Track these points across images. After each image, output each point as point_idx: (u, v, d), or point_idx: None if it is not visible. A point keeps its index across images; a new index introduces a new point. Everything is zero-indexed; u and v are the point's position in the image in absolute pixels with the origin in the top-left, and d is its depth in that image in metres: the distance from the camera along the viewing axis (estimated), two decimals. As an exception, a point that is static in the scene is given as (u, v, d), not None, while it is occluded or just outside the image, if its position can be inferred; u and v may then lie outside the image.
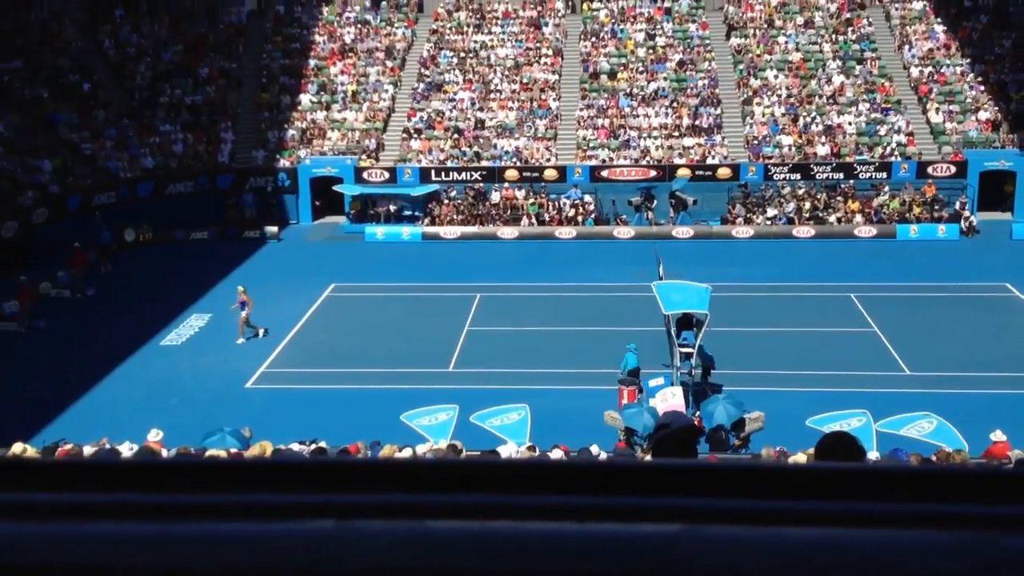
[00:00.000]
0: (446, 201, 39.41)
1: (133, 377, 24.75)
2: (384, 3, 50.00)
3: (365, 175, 40.07)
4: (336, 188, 39.71)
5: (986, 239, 36.20)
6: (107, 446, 15.80)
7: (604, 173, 39.73)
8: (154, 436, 17.24)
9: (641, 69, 44.79)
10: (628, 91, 43.59)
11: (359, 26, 48.20)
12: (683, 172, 39.14)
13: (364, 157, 41.11)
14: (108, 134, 40.72)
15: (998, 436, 17.59)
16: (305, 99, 44.35)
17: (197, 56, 45.97)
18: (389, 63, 46.18)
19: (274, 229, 38.41)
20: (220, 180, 40.47)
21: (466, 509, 1.12)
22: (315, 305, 30.05)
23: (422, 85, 44.80)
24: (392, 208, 39.51)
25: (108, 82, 43.88)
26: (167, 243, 37.35)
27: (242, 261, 34.99)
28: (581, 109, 43.03)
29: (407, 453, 16.21)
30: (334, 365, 25.15)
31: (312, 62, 46.27)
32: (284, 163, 41.18)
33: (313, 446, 16.09)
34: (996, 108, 40.96)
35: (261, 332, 27.20)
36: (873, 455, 16.00)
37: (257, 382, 24.38)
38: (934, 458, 15.49)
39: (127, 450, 15.78)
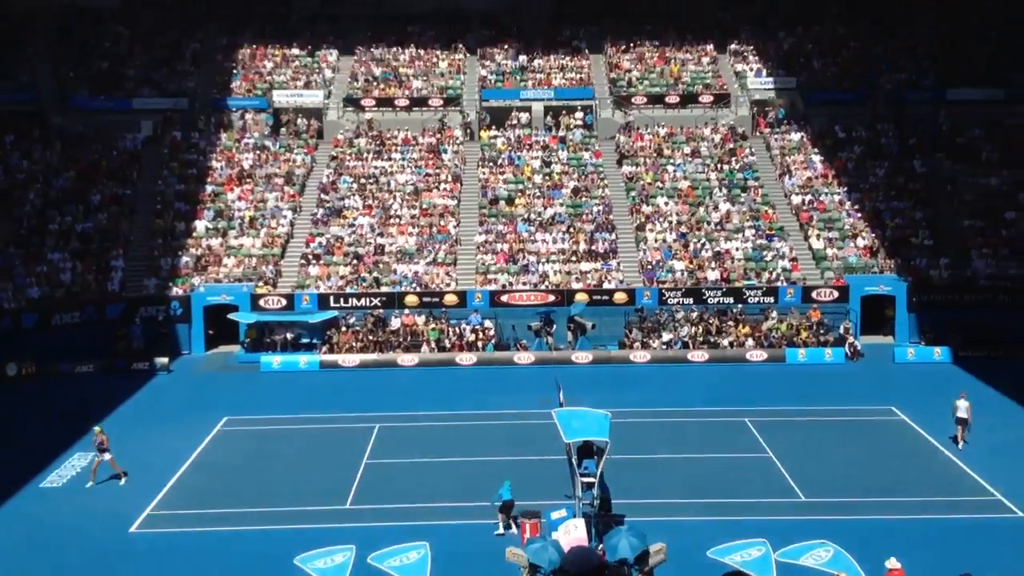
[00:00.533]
0: (345, 328, 39.06)
1: (9, 522, 23.38)
2: (283, 129, 50.38)
3: (261, 302, 39.53)
4: (231, 316, 38.98)
5: (870, 362, 37.45)
6: None
7: (504, 298, 40.11)
8: None
9: (538, 195, 45.85)
10: (526, 216, 44.48)
11: (258, 152, 48.32)
12: (581, 297, 39.79)
13: (261, 284, 40.62)
14: (-8, 263, 39.45)
15: (892, 564, 17.87)
16: (201, 225, 43.88)
17: (89, 182, 45.26)
18: (288, 189, 46.24)
19: (164, 360, 37.23)
20: (109, 310, 39.35)
21: None
22: (206, 440, 29.02)
23: (321, 210, 44.87)
24: (289, 336, 38.95)
25: (-5, 209, 42.75)
26: (51, 377, 35.94)
27: (130, 395, 33.73)
28: (480, 234, 43.62)
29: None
30: (225, 505, 24.17)
31: (209, 188, 46.00)
32: (177, 291, 40.35)
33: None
34: (873, 235, 43.05)
35: (123, 480, 25.76)
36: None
37: (143, 525, 23.19)
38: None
39: None
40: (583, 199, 45.62)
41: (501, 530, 22.67)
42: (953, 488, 24.72)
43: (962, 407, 27.62)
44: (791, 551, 19.88)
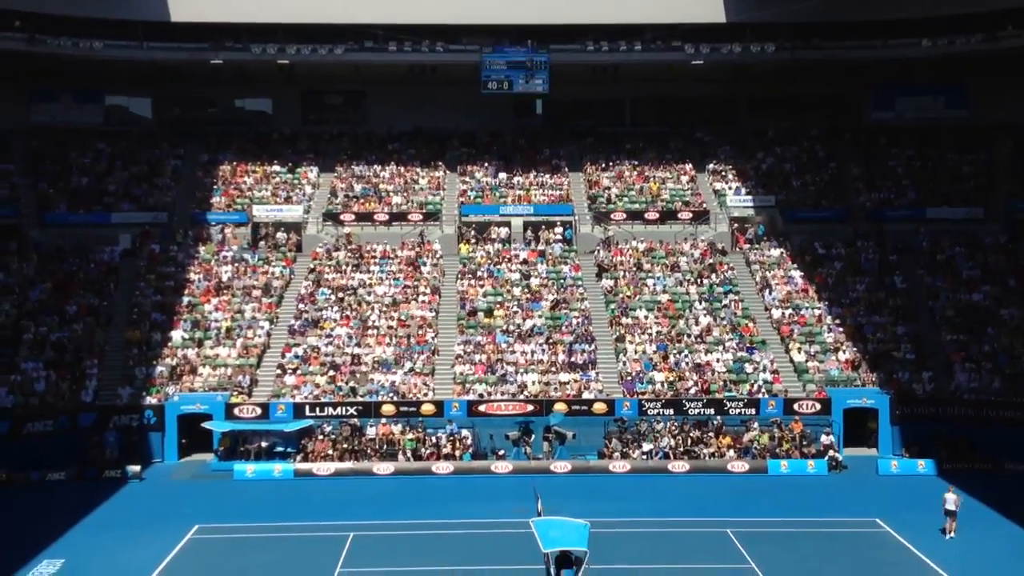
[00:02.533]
0: (320, 437, 38.49)
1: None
2: (262, 243, 50.67)
3: (236, 411, 38.99)
4: (205, 425, 38.41)
5: (853, 474, 37.10)
6: None
7: (482, 408, 39.75)
8: None
9: (517, 307, 46.00)
10: (505, 328, 44.51)
11: (236, 264, 48.46)
12: (559, 407, 39.48)
13: (236, 393, 40.17)
14: (-36, 370, 38.92)
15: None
16: (177, 335, 43.61)
17: (66, 294, 45.11)
18: (266, 300, 46.22)
19: (136, 468, 36.54)
20: (82, 418, 38.69)
21: None
22: (176, 548, 28.13)
23: (299, 321, 44.77)
24: (263, 444, 38.31)
25: (-31, 317, 42.40)
26: (21, 485, 35.21)
27: (100, 502, 32.93)
28: (458, 344, 43.53)
29: None
30: (193, 615, 23.34)
31: (186, 299, 45.92)
32: (151, 400, 39.82)
33: None
34: (855, 349, 43.25)
35: None
36: None
37: (107, 636, 22.33)
38: None
39: None
40: (562, 311, 45.81)
41: None
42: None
43: (951, 500, 28.68)
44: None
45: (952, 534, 28.49)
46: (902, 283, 47.43)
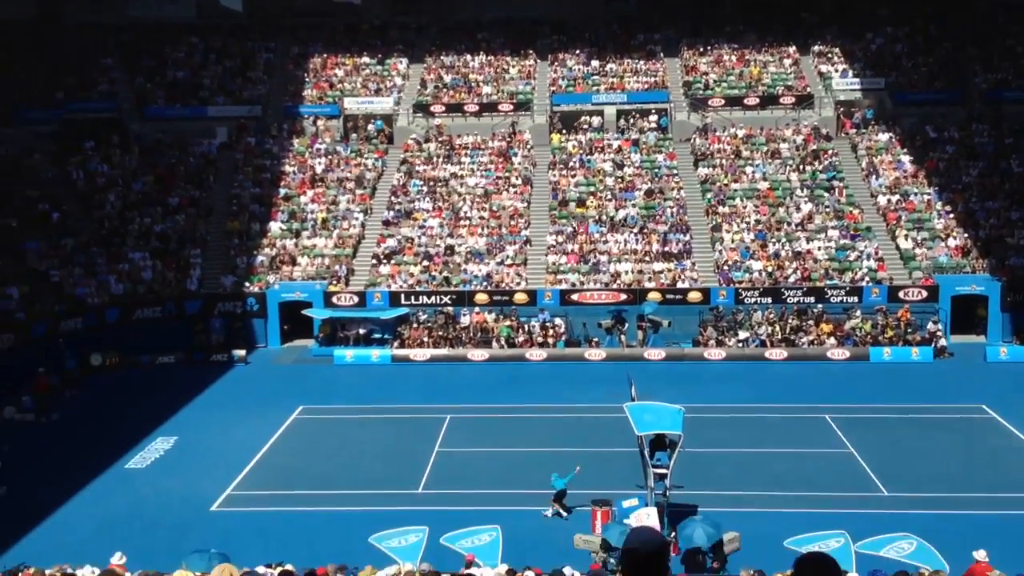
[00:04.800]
0: (416, 324, 39.12)
1: (96, 501, 23.98)
2: (354, 135, 50.85)
3: (334, 299, 39.84)
4: (305, 312, 39.39)
5: (960, 361, 36.19)
6: (68, 570, 15.26)
7: (574, 297, 39.73)
8: (117, 560, 16.79)
9: (610, 197, 45.43)
10: (597, 218, 44.08)
11: (329, 157, 48.82)
12: (653, 296, 39.20)
13: (334, 282, 40.95)
14: (77, 261, 40.44)
15: (981, 556, 17.08)
16: (275, 226, 44.44)
17: (167, 186, 46.19)
18: (359, 191, 46.59)
19: (242, 353, 37.98)
20: (188, 305, 40.13)
21: None
22: (282, 427, 29.34)
23: (392, 212, 45.10)
24: (361, 331, 39.16)
25: (77, 211, 43.85)
26: (133, 367, 36.82)
27: (209, 384, 34.45)
28: (550, 235, 43.36)
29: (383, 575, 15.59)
30: (302, 487, 24.43)
31: (282, 191, 46.58)
32: (253, 288, 40.92)
33: (279, 570, 15.36)
34: (965, 235, 41.66)
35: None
36: (853, 576, 15.48)
37: (223, 505, 23.60)
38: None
39: (89, 574, 15.33)
40: (656, 201, 45.07)
41: (548, 513, 22.55)
42: (1046, 483, 23.65)
43: None
44: (872, 543, 19.23)
45: None
46: (1018, 167, 45.17)
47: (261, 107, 51.63)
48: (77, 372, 35.26)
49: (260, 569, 15.43)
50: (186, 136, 49.41)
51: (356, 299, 39.88)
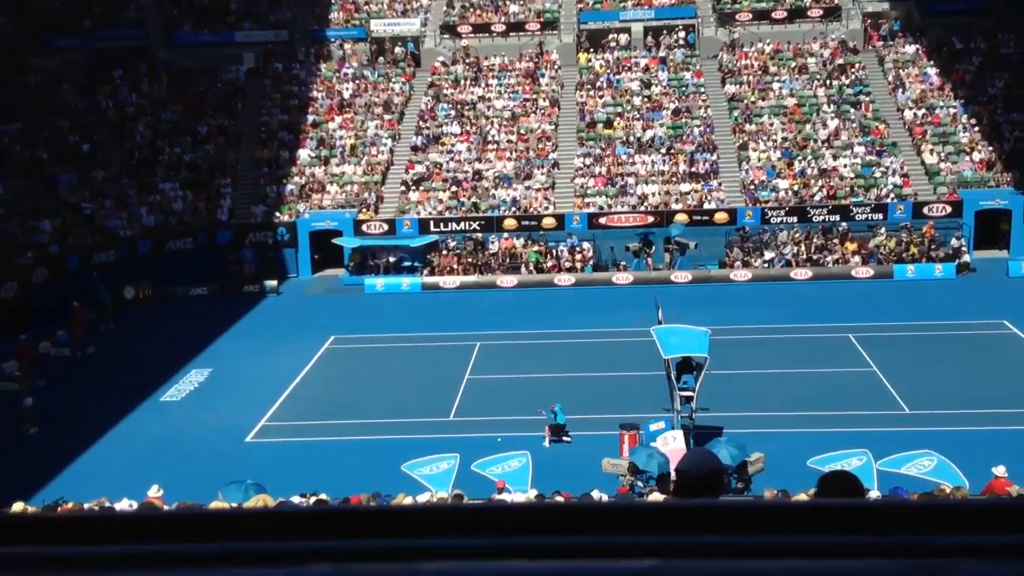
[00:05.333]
0: (445, 251, 39.60)
1: (133, 434, 24.74)
2: (381, 59, 50.68)
3: (364, 228, 40.31)
4: (335, 241, 39.93)
5: (983, 277, 36.28)
6: (106, 503, 15.67)
7: (602, 220, 39.95)
8: (155, 492, 17.14)
9: (637, 117, 45.24)
10: (625, 139, 43.98)
11: (357, 81, 48.78)
12: (680, 217, 39.35)
13: (363, 210, 41.38)
14: (108, 193, 41.05)
15: (1000, 471, 17.44)
16: (304, 154, 44.76)
17: (196, 114, 46.49)
18: (387, 117, 46.67)
19: (274, 283, 38.54)
20: (219, 236, 40.70)
21: (456, 551, 1.18)
22: (315, 357, 30.07)
23: (420, 138, 45.23)
24: (391, 259, 39.69)
25: (107, 142, 44.35)
26: (167, 300, 37.39)
27: (242, 315, 35.11)
28: (578, 157, 43.39)
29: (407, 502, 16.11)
30: (334, 417, 25.12)
31: (311, 118, 46.76)
32: (283, 218, 41.46)
33: (314, 499, 15.94)
34: (990, 148, 41.23)
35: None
36: (874, 494, 15.90)
37: (257, 436, 24.35)
38: (935, 495, 15.38)
39: (127, 507, 15.62)
40: (684, 120, 44.82)
41: (547, 443, 23.00)
42: (1068, 400, 23.97)
43: None
44: (893, 460, 19.69)
45: None
46: (1045, 77, 44.42)
47: (288, 32, 51.42)
48: (112, 305, 35.57)
49: (295, 499, 15.77)
50: (214, 63, 49.42)
51: (386, 227, 40.34)
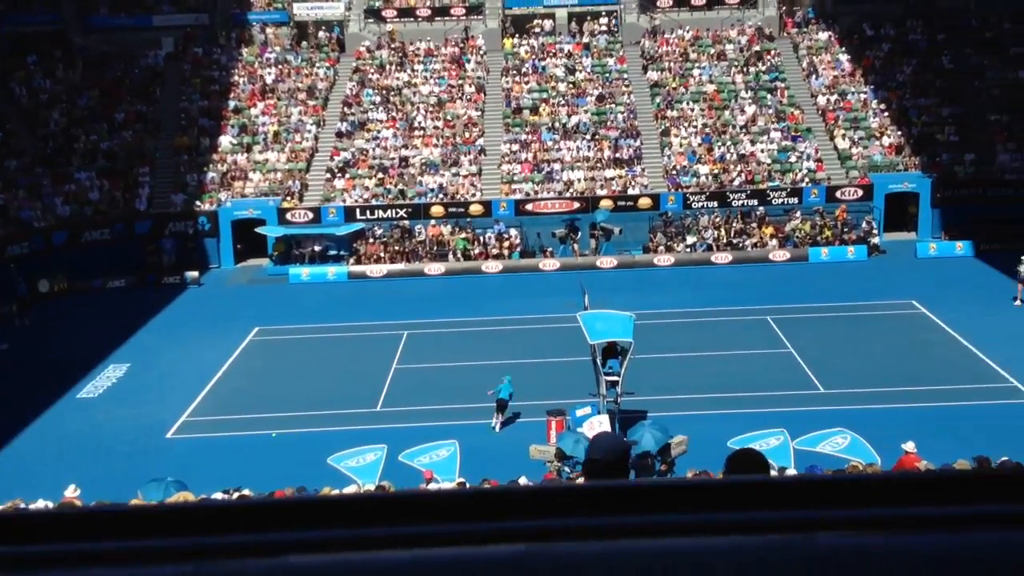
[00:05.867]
0: (372, 239, 39.47)
1: (49, 432, 24.18)
2: (304, 43, 50.12)
3: (288, 216, 39.96)
4: (259, 230, 39.49)
5: (892, 258, 37.53)
6: (21, 505, 15.39)
7: (528, 206, 40.24)
8: (72, 492, 16.77)
9: (562, 103, 45.56)
10: (550, 125, 44.28)
11: (280, 66, 48.18)
12: (605, 203, 39.84)
13: (287, 198, 41.00)
14: (21, 183, 39.97)
15: (910, 447, 18.18)
16: (225, 141, 44.11)
17: (113, 101, 45.45)
18: (311, 102, 46.22)
19: (195, 274, 37.91)
20: (138, 226, 39.87)
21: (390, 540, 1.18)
22: (238, 350, 29.75)
23: (345, 124, 44.91)
24: (317, 248, 39.41)
25: (20, 130, 43.12)
26: (83, 292, 36.43)
27: (162, 308, 34.49)
28: (504, 143, 43.57)
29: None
30: (259, 410, 24.90)
31: (232, 103, 46.06)
32: (204, 207, 40.84)
33: (237, 494, 15.88)
34: (899, 133, 42.54)
35: None
36: (791, 472, 16.47)
37: (178, 431, 24.01)
38: (847, 471, 16.02)
39: (43, 508, 15.35)
40: (608, 106, 45.28)
41: (496, 427, 23.21)
42: (971, 376, 25.10)
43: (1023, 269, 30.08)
44: (809, 439, 20.40)
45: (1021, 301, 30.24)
46: (950, 63, 45.80)
47: (208, 15, 50.42)
48: (28, 299, 34.66)
49: (217, 495, 15.57)
50: (131, 48, 48.24)
51: (310, 215, 40.05)
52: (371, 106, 45.85)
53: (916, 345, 27.63)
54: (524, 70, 47.70)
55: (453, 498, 1.27)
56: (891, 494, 1.24)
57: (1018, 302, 30.43)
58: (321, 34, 50.28)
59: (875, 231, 38.66)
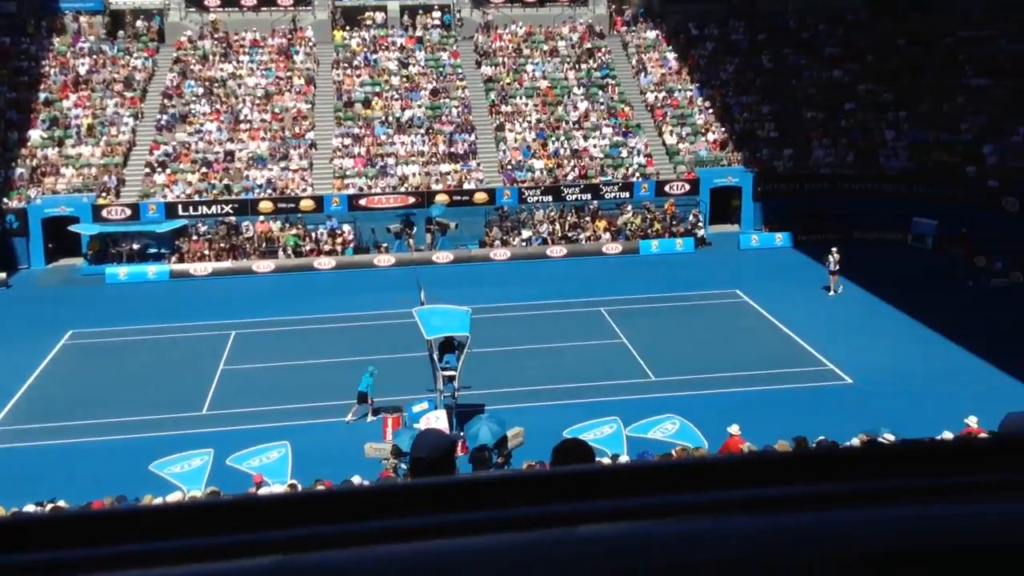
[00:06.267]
0: (195, 237, 37.88)
1: None
2: (121, 32, 47.69)
3: (104, 213, 37.91)
4: (72, 228, 37.28)
5: (717, 250, 38.91)
6: None
7: (362, 202, 39.55)
8: None
9: (395, 97, 45.03)
10: (384, 119, 43.67)
11: (94, 57, 45.66)
12: (441, 198, 39.60)
13: (103, 194, 38.86)
14: None
15: (734, 430, 18.76)
16: (35, 135, 41.43)
17: (-90, 92, 42.03)
18: (128, 94, 44.00)
19: (2, 275, 35.41)
20: (-60, 225, 37.12)
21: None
22: (50, 355, 27.97)
23: (165, 117, 42.96)
24: (135, 246, 37.50)
25: None
26: None
27: (-34, 311, 32.13)
28: (336, 137, 42.67)
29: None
30: (74, 418, 23.51)
31: (42, 95, 43.33)
32: (12, 204, 38.22)
33: (51, 506, 14.92)
34: (723, 129, 44.15)
35: None
36: (624, 459, 16.65)
37: (-12, 442, 22.37)
38: (675, 456, 16.31)
39: None
40: (442, 100, 45.04)
41: (349, 418, 22.78)
42: (791, 361, 26.23)
43: (832, 260, 31.81)
44: (640, 426, 20.71)
45: (833, 292, 31.80)
46: (769, 62, 47.90)
47: (15, 3, 47.29)
48: None
49: (29, 507, 14.93)
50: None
51: (129, 212, 38.11)
52: (193, 98, 44.06)
53: (741, 332, 28.67)
54: (356, 63, 46.89)
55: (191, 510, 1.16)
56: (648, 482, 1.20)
57: (831, 292, 31.90)
58: (139, 23, 47.97)
59: (701, 224, 39.97)
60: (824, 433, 16.34)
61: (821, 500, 1.15)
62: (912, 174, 40.49)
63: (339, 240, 38.32)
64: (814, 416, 21.23)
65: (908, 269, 34.29)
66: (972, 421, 17.98)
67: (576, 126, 43.98)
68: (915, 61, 45.85)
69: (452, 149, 42.26)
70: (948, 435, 16.43)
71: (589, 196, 40.56)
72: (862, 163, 41.95)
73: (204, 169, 40.53)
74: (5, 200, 38.38)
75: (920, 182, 39.79)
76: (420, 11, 50.10)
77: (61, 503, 15.14)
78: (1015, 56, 43.11)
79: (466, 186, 40.59)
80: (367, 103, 44.58)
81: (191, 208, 38.61)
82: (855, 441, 14.97)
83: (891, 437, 14.69)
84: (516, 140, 43.08)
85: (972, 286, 32.73)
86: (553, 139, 43.12)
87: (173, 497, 15.95)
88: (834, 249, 31.98)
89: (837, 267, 31.73)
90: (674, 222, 39.75)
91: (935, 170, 40.12)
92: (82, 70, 44.85)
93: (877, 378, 24.51)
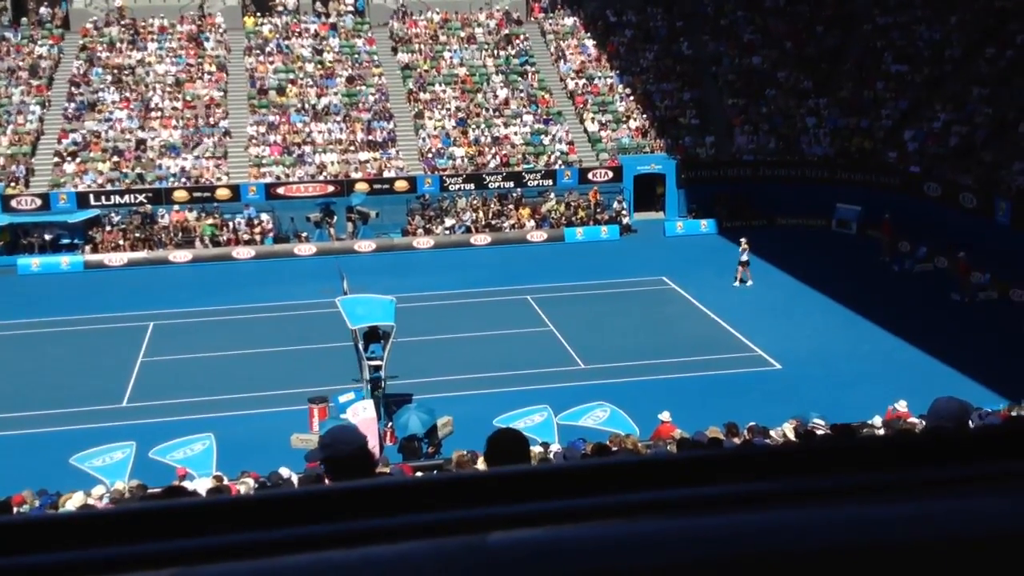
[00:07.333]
0: (109, 227, 36.76)
1: None
2: (24, 19, 45.94)
3: (13, 203, 36.56)
4: (-22, 219, 35.89)
5: (642, 237, 39.19)
6: None
7: (280, 190, 38.86)
8: None
9: (311, 84, 44.31)
10: (299, 107, 42.94)
11: (-4, 43, 43.91)
12: (361, 186, 39.14)
13: (11, 184, 37.44)
14: None
15: (665, 417, 18.90)
16: (-65, 123, 39.70)
17: None
18: (34, 82, 42.43)
19: (-97, 270, 34.03)
20: None
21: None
22: (-40, 349, 26.87)
23: (73, 105, 41.54)
24: (47, 237, 36.26)
25: None
26: None
27: None
28: (251, 125, 41.81)
29: (79, 498, 14.90)
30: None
31: (-59, 83, 41.53)
32: (-88, 195, 36.61)
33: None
34: (644, 116, 44.50)
35: None
36: (555, 447, 16.67)
37: None
38: (608, 443, 16.37)
39: None
40: (358, 87, 44.48)
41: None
42: (718, 347, 26.52)
43: (743, 252, 31.90)
44: (571, 414, 20.75)
45: (748, 282, 31.86)
46: (688, 49, 48.39)
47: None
48: None
49: None
50: None
51: (39, 202, 36.83)
52: (102, 86, 42.71)
53: (668, 318, 28.97)
54: (268, 50, 46.00)
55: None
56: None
57: (737, 283, 31.87)
58: (43, 10, 46.29)
59: (626, 211, 40.27)
60: (754, 418, 16.54)
61: (744, 501, 1.12)
62: (834, 160, 41.04)
63: (257, 230, 37.60)
64: (744, 401, 21.51)
65: (833, 255, 34.99)
66: (901, 405, 18.41)
67: (496, 113, 43.89)
68: (834, 47, 46.63)
69: (370, 137, 41.80)
70: (878, 419, 16.88)
71: (512, 184, 40.54)
72: (784, 149, 42.55)
73: (115, 158, 39.35)
74: (-98, 190, 36.73)
75: (843, 168, 40.41)
76: (333, -3, 49.38)
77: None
78: (932, 43, 43.99)
79: (386, 174, 40.19)
80: (281, 90, 43.80)
81: (103, 198, 37.46)
82: (786, 426, 15.21)
83: (821, 422, 14.90)
84: (436, 128, 42.80)
85: (897, 271, 33.53)
86: (473, 127, 42.96)
87: (97, 491, 15.47)
88: (743, 240, 32.24)
89: (746, 257, 31.86)
90: (598, 209, 39.99)
91: (857, 156, 40.73)
92: (-17, 56, 43.10)
93: (805, 363, 24.88)
